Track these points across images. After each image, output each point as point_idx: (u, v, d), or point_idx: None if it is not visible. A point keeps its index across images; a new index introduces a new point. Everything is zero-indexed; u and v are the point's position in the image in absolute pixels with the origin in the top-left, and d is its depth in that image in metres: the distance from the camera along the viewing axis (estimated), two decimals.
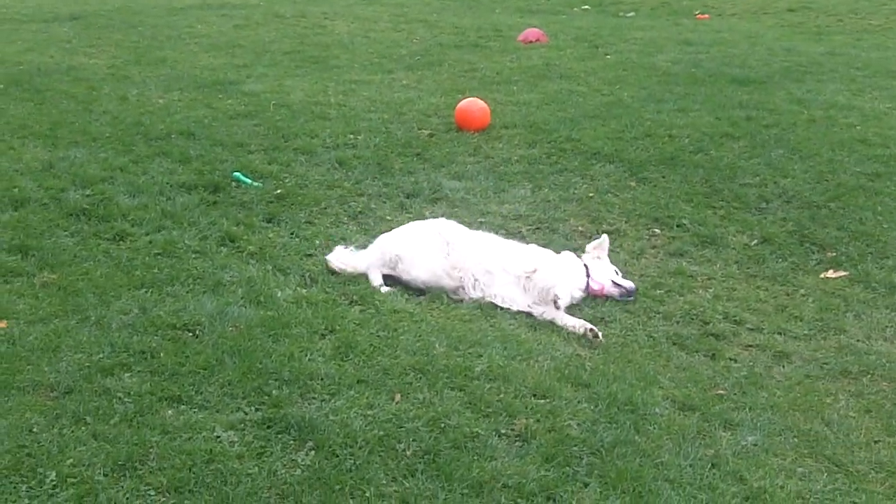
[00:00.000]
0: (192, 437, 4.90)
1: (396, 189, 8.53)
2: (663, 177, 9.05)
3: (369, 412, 5.20)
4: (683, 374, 6.11)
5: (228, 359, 5.54)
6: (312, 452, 4.87)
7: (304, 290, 6.53)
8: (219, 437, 4.92)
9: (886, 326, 6.90)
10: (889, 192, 8.81)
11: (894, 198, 8.73)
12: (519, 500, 4.74)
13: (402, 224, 7.55)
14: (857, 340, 6.70)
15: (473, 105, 10.28)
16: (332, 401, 5.27)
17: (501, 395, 5.58)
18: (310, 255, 7.16)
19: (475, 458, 4.99)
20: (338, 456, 4.85)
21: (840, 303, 7.17)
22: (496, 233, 7.49)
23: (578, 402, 5.61)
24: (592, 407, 5.57)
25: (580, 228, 8.14)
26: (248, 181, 8.35)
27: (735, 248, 7.92)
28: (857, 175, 9.14)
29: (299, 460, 4.82)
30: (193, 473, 4.64)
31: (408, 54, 13.78)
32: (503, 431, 5.26)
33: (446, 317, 6.47)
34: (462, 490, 4.75)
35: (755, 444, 5.37)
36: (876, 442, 5.51)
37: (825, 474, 5.18)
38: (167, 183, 8.23)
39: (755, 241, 8.01)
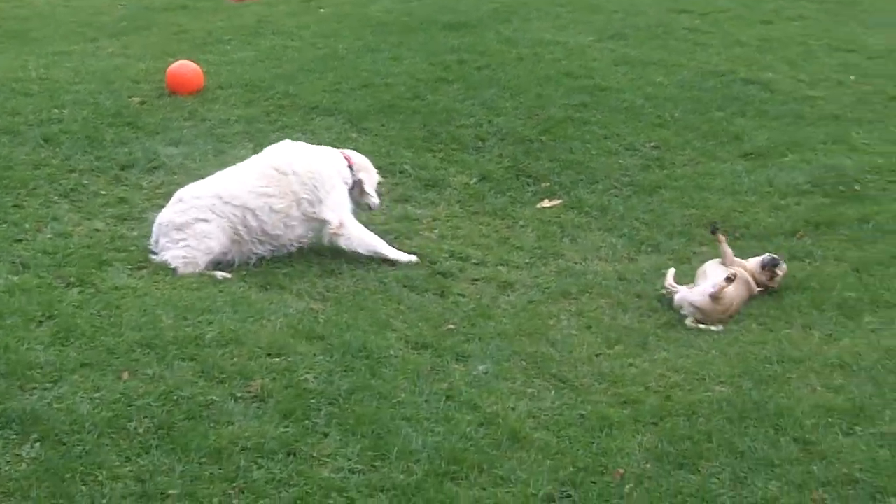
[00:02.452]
0: None
1: (110, 161, 8.18)
2: (383, 125, 9.13)
3: (96, 395, 5.01)
4: (415, 314, 6.23)
5: None
6: (38, 444, 4.65)
7: (15, 278, 6.18)
8: None
9: (600, 247, 7.28)
10: (595, 121, 9.26)
11: (600, 126, 9.18)
12: (259, 461, 4.71)
13: (119, 197, 7.30)
14: (575, 263, 7.04)
15: (185, 68, 9.98)
16: (55, 388, 5.03)
17: (235, 360, 5.51)
18: (20, 241, 6.78)
19: (212, 425, 4.92)
20: (65, 444, 4.65)
21: (557, 229, 7.51)
22: None
23: (314, 355, 5.62)
24: (328, 358, 5.59)
25: None
26: None
27: (456, 188, 8.12)
28: (564, 107, 9.53)
29: (24, 454, 4.59)
30: None
31: (112, 21, 13.20)
32: (239, 395, 5.20)
33: (172, 287, 6.30)
34: (200, 459, 4.67)
35: (486, 373, 5.56)
36: (597, 356, 5.82)
37: (553, 391, 5.43)
38: None
39: (475, 180, 8.24)
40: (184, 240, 6.66)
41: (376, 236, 6.97)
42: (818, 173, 8.19)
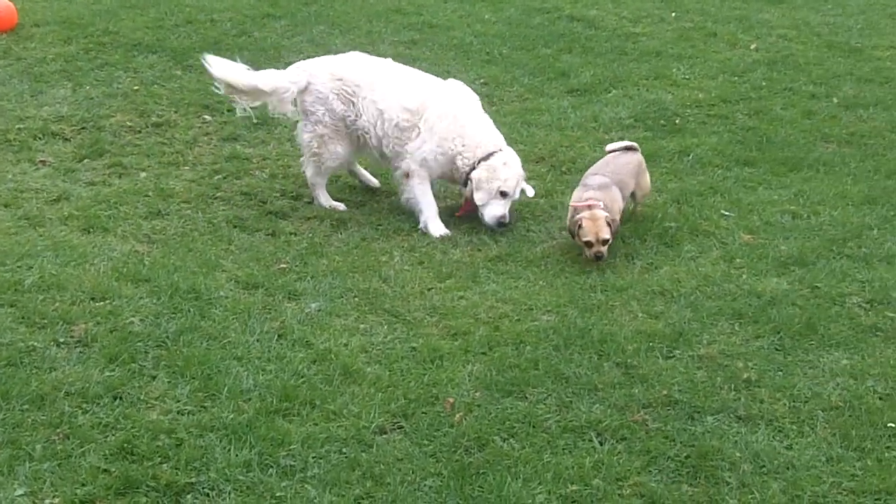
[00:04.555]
0: None
1: None
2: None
3: None
4: (246, 254, 6.15)
5: None
6: None
7: None
8: None
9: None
10: (424, 58, 9.25)
11: (431, 63, 9.16)
12: (84, 405, 4.62)
13: None
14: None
15: None
16: None
17: (57, 304, 5.37)
18: None
19: (34, 371, 4.80)
20: None
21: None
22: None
23: (140, 298, 5.51)
24: (155, 300, 5.49)
25: (128, 123, 7.86)
26: None
27: (286, 126, 7.99)
28: (394, 44, 9.50)
29: None
30: None
31: None
32: (62, 340, 5.08)
33: None
34: (22, 407, 4.56)
35: (319, 310, 5.56)
36: (429, 289, 5.88)
37: (385, 326, 5.47)
38: None
39: None
40: None
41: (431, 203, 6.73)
42: (640, 108, 8.42)
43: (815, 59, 9.56)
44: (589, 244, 6.08)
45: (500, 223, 6.56)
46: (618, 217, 6.27)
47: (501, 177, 6.54)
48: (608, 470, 4.41)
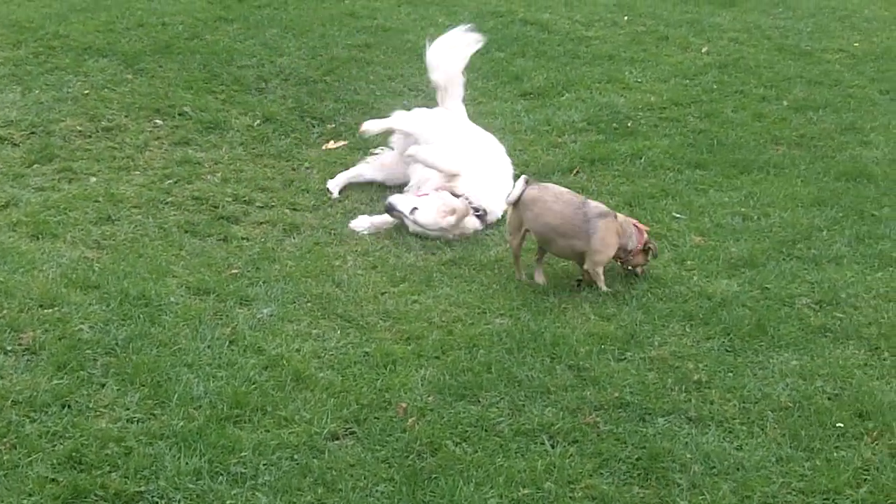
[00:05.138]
0: None
1: None
2: (160, 66, 8.83)
3: None
4: (197, 259, 6.11)
5: None
6: None
7: None
8: None
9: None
10: (379, 62, 9.25)
11: (384, 66, 9.18)
12: (32, 414, 4.56)
13: None
14: (360, 203, 7.05)
15: None
16: None
17: (5, 312, 5.31)
18: None
19: None
20: None
21: (342, 170, 7.46)
22: None
23: (89, 304, 5.46)
24: (104, 307, 5.44)
25: (78, 128, 7.77)
26: None
27: (239, 130, 7.96)
28: (348, 48, 9.48)
29: None
30: None
31: None
32: (10, 348, 5.02)
33: None
34: None
35: (271, 315, 5.52)
36: (382, 294, 5.87)
37: (338, 331, 5.45)
38: None
39: (258, 122, 8.09)
40: None
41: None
42: (593, 111, 8.46)
43: (766, 63, 9.65)
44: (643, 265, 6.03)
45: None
46: None
47: None
48: (560, 473, 4.42)
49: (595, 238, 5.79)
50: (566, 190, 6.07)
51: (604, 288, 5.84)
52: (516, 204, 5.99)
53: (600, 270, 5.85)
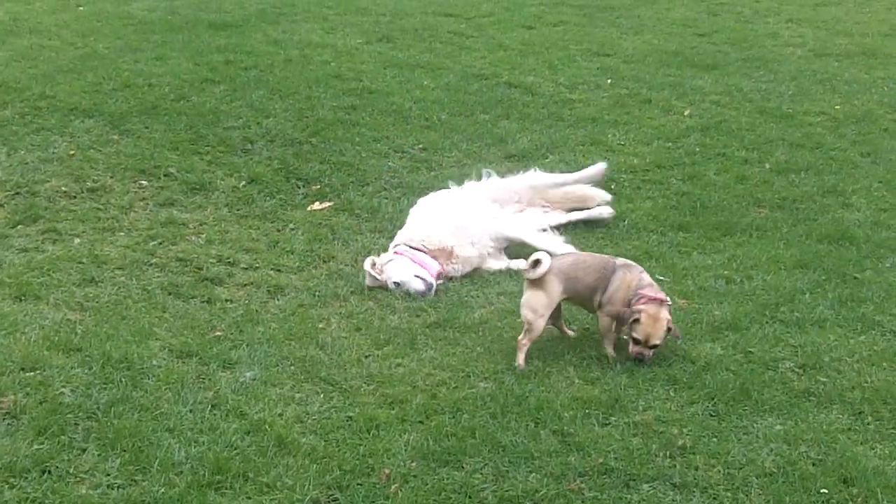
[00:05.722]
0: None
1: None
2: (146, 127, 8.88)
3: None
4: (180, 322, 6.09)
5: None
6: None
7: None
8: None
9: (371, 249, 7.31)
10: (364, 123, 9.31)
11: (369, 128, 9.24)
12: (11, 480, 4.52)
13: None
14: (345, 265, 7.05)
15: None
16: None
17: None
18: None
19: None
20: None
21: (328, 232, 7.49)
22: None
23: (71, 367, 5.43)
24: (86, 370, 5.42)
25: (63, 188, 7.80)
26: None
27: (224, 191, 7.99)
28: (334, 109, 9.55)
29: None
30: None
31: None
32: None
33: None
34: None
35: (254, 379, 5.50)
36: (366, 357, 5.85)
37: (321, 395, 5.42)
38: None
39: (243, 183, 8.13)
40: None
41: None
42: None
43: (748, 125, 9.75)
44: (637, 342, 5.77)
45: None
46: None
47: None
48: None
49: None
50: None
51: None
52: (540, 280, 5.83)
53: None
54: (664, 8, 14.06)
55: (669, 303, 5.85)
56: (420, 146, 8.95)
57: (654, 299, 5.79)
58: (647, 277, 5.98)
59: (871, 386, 5.60)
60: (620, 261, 6.08)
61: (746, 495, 4.72)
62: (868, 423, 5.30)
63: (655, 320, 5.72)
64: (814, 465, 4.96)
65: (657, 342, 5.75)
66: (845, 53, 12.20)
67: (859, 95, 10.72)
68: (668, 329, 5.75)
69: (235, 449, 4.85)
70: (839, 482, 4.82)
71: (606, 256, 6.14)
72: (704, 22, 13.39)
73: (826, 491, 4.75)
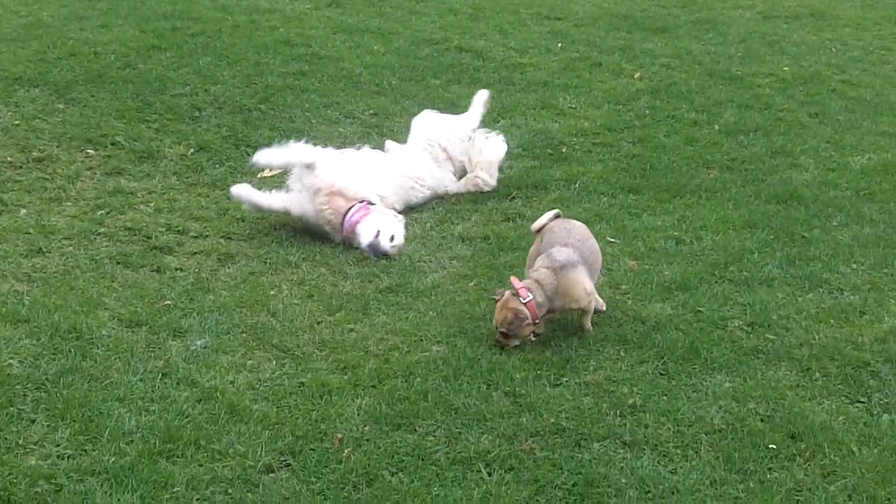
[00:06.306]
0: None
1: None
2: (92, 96, 8.76)
3: None
4: (129, 291, 6.03)
5: None
6: None
7: None
8: None
9: None
10: (314, 89, 9.25)
11: (319, 94, 9.18)
12: None
13: None
14: (296, 232, 7.01)
15: None
16: None
17: None
18: None
19: None
20: None
21: None
22: None
23: (19, 339, 5.37)
24: (35, 341, 5.35)
25: (9, 159, 7.66)
26: None
27: (172, 159, 7.90)
28: (283, 75, 9.47)
29: None
30: None
31: None
32: None
33: None
34: None
35: (205, 347, 5.47)
36: (318, 323, 5.83)
37: (273, 362, 5.40)
38: None
39: (192, 150, 8.05)
40: None
41: None
42: (528, 137, 8.53)
43: (697, 87, 9.81)
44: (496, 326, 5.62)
45: None
46: (585, 300, 5.64)
47: None
48: (497, 500, 4.42)
49: None
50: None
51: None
52: (539, 231, 5.97)
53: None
54: None
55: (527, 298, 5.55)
56: (371, 112, 8.91)
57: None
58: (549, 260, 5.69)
59: (818, 343, 5.68)
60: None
61: (696, 452, 4.78)
62: (815, 380, 5.38)
63: (502, 307, 5.56)
64: (762, 421, 5.03)
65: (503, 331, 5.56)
66: (794, 15, 12.30)
67: (807, 57, 10.82)
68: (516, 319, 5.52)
69: (187, 417, 4.82)
70: (787, 437, 4.90)
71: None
72: None
73: (774, 446, 4.82)
